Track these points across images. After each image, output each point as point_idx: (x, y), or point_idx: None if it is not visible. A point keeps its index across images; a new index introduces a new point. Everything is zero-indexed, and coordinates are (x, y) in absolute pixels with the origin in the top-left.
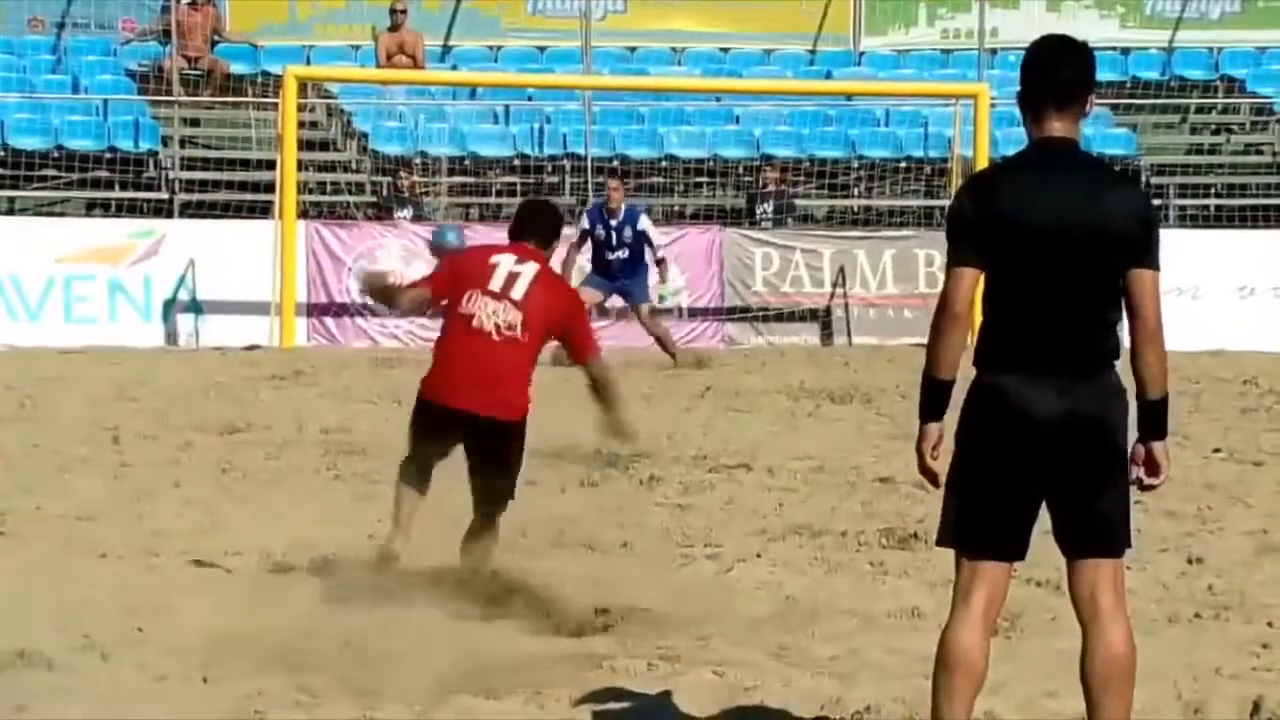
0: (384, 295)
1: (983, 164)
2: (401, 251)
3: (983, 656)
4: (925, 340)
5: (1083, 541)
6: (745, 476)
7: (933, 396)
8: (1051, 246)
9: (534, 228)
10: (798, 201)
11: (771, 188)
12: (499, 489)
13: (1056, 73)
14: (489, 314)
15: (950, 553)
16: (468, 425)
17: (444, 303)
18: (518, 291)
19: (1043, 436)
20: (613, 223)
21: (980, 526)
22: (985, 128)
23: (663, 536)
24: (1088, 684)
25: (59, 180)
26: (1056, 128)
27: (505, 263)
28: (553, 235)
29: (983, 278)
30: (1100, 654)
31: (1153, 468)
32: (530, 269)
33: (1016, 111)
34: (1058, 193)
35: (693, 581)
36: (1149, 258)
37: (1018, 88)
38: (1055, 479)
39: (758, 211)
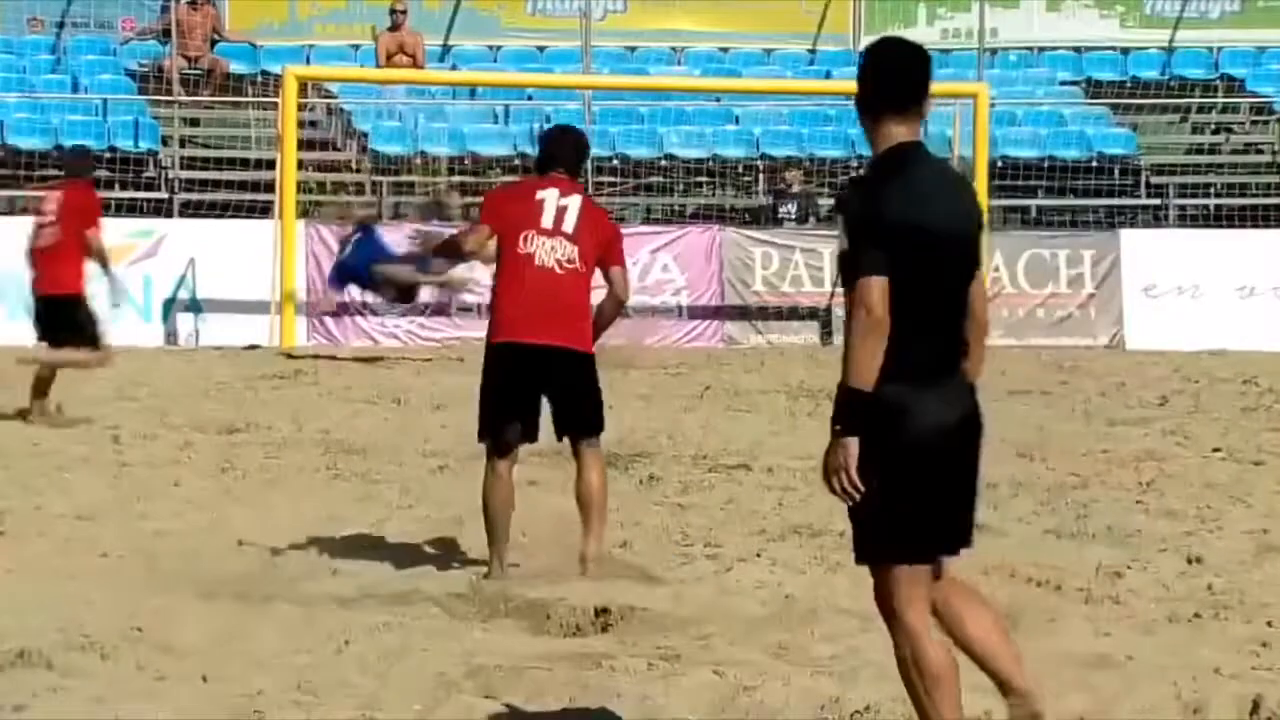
0: (448, 247)
1: (983, 163)
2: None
3: (950, 650)
4: None
5: (966, 536)
6: (745, 476)
7: (855, 408)
8: (950, 250)
9: (563, 157)
10: (820, 201)
11: (797, 188)
12: (594, 415)
13: (921, 74)
14: (548, 250)
15: None
16: (551, 360)
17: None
18: (569, 225)
19: (955, 439)
20: None
21: (922, 534)
22: (985, 127)
23: (662, 536)
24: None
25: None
26: (918, 131)
27: (550, 198)
28: (580, 160)
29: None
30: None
31: None
32: (575, 201)
33: (1017, 111)
34: (947, 196)
35: (692, 581)
36: (978, 257)
37: (1017, 86)
38: (960, 478)
39: (780, 212)
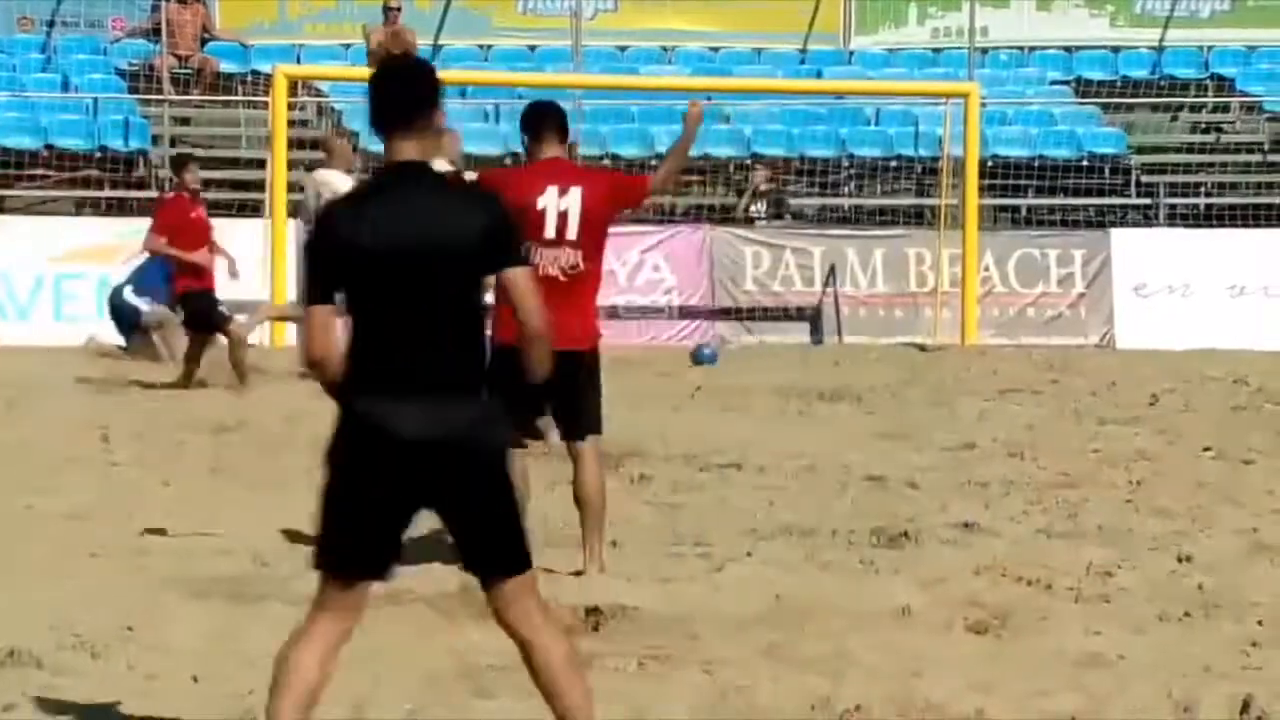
0: None
1: (973, 163)
2: None
3: (320, 672)
4: (917, 340)
5: (490, 565)
6: (735, 475)
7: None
8: (400, 270)
9: (555, 131)
10: (791, 200)
11: (763, 186)
12: (593, 413)
13: (405, 94)
14: (550, 260)
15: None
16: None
17: None
18: (572, 231)
19: (405, 457)
20: None
21: (333, 548)
22: (975, 127)
23: (653, 535)
24: (545, 690)
25: (49, 179)
26: (406, 150)
27: (550, 204)
28: (566, 130)
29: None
30: (548, 661)
31: None
32: (574, 198)
33: (1008, 110)
34: (409, 216)
35: (683, 580)
36: (509, 258)
37: (1007, 86)
38: (409, 500)
39: (751, 210)
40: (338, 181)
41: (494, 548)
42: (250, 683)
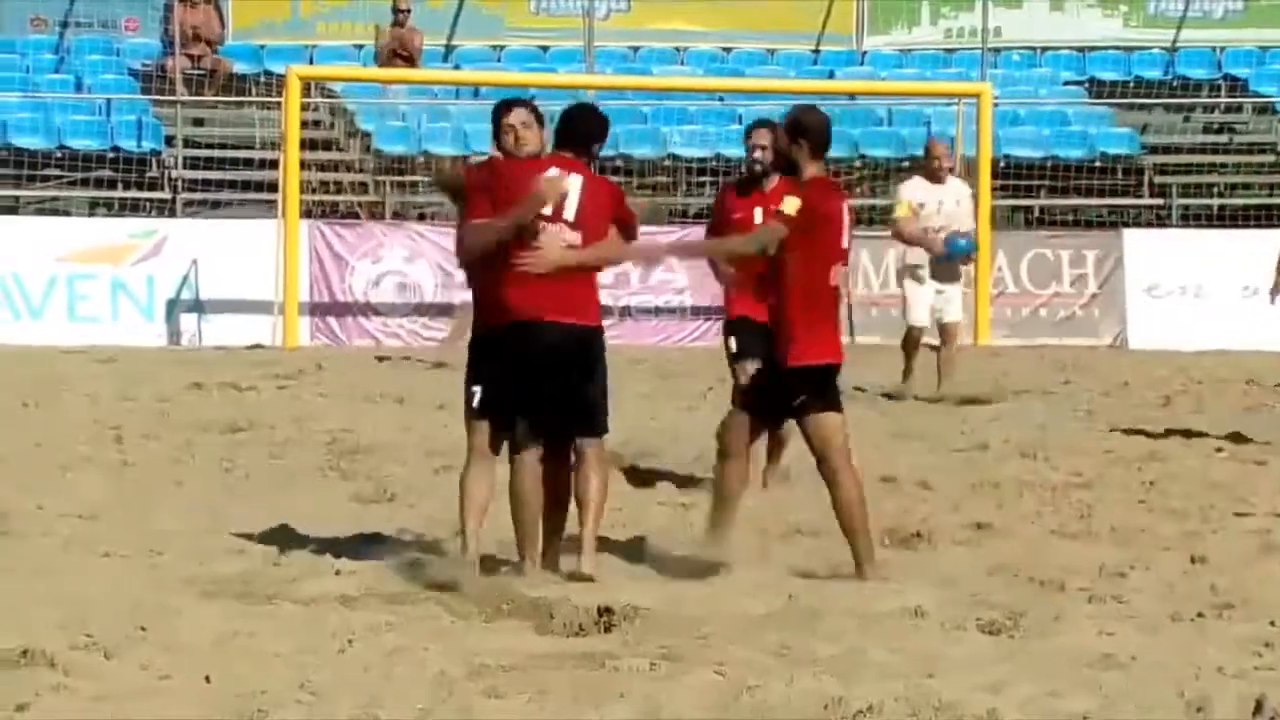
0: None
1: (986, 163)
2: (404, 251)
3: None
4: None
5: None
6: None
7: None
8: None
9: (567, 135)
10: None
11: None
12: (592, 404)
13: None
14: (547, 238)
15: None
16: (543, 338)
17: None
18: (570, 211)
19: None
20: None
21: None
22: (988, 127)
23: (665, 536)
24: None
25: (61, 180)
26: None
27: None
28: (589, 139)
29: None
30: None
31: None
32: (575, 183)
33: (1021, 110)
34: None
35: (695, 581)
36: None
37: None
38: None
39: None
40: None
41: None
42: (262, 682)
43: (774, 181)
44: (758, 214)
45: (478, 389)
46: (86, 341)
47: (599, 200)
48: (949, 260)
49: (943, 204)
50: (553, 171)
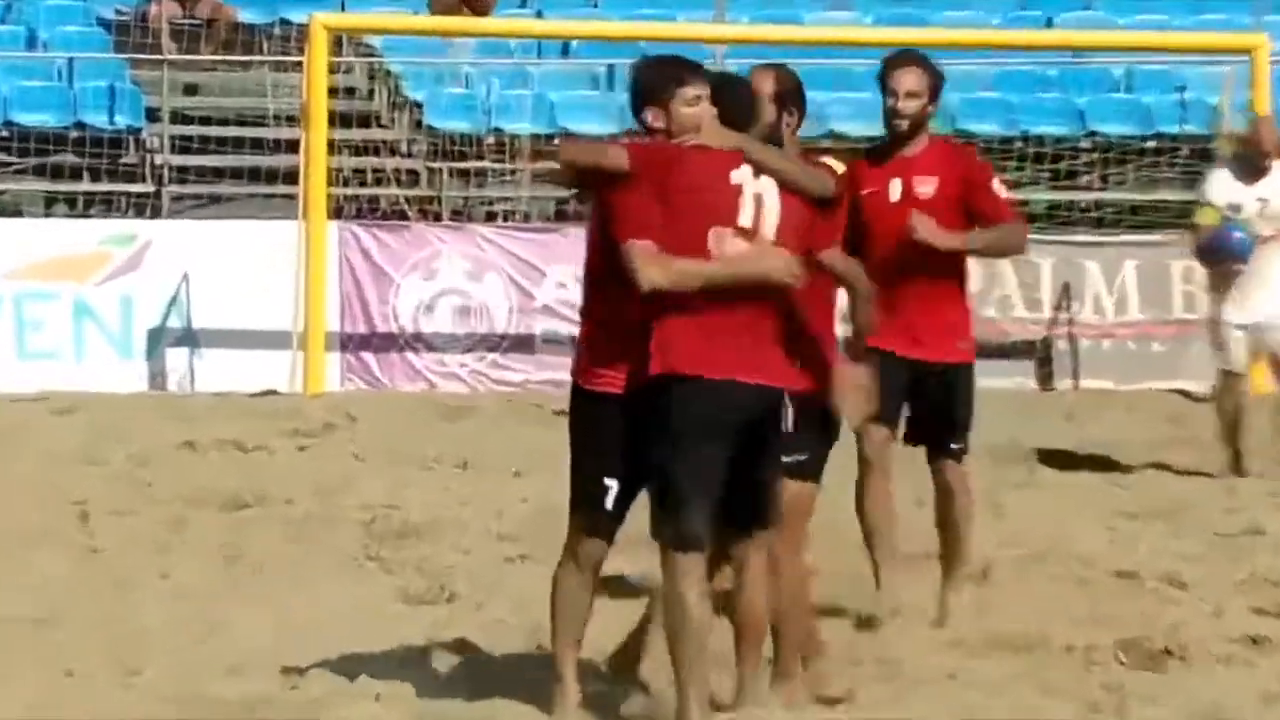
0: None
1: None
2: (467, 264)
3: None
4: (1182, 384)
5: None
6: (926, 563)
7: None
8: None
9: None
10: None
11: None
12: (775, 490)
13: None
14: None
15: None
16: (755, 406)
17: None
18: (769, 224)
19: None
20: None
21: None
22: (1265, 93)
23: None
24: None
25: (7, 168)
26: None
27: (747, 182)
28: (753, 118)
29: None
30: None
31: None
32: (769, 182)
33: None
34: None
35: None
36: None
37: None
38: None
39: None
40: None
41: None
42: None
43: (922, 143)
44: (894, 188)
45: (613, 482)
46: (41, 385)
47: (793, 209)
48: (1215, 257)
49: (1267, 203)
50: (744, 171)
